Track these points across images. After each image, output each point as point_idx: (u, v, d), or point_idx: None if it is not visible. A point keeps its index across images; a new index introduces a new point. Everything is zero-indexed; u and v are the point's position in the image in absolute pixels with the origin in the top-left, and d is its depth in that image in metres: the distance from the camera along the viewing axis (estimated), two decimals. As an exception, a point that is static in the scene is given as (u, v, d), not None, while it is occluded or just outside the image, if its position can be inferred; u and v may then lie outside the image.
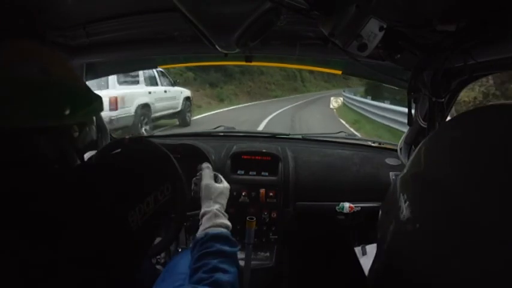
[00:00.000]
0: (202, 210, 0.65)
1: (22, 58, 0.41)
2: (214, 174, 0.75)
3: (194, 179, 0.76)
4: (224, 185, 0.73)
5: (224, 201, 0.69)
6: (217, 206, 0.66)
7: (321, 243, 1.27)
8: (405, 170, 0.29)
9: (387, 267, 0.30)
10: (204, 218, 0.63)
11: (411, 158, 0.29)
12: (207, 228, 0.61)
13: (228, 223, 0.64)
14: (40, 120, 0.40)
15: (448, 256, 0.23)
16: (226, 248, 0.57)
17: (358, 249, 1.02)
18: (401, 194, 0.28)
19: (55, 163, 0.42)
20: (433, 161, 0.27)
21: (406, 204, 0.27)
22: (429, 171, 0.26)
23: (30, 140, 0.39)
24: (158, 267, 1.06)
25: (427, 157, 0.27)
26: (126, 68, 1.53)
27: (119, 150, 0.70)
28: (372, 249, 1.01)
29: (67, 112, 0.42)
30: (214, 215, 0.63)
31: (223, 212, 0.66)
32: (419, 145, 0.29)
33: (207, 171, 0.73)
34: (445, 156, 0.26)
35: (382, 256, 0.31)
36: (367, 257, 1.00)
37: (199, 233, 0.61)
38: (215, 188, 0.70)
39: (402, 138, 1.21)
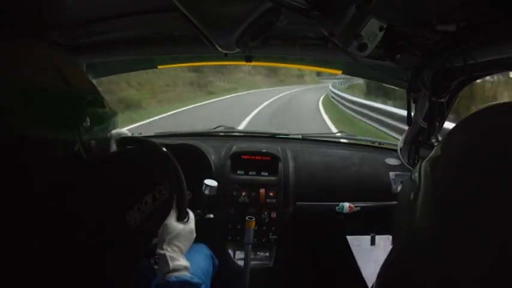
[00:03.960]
0: (157, 252, 0.62)
1: (41, 65, 0.40)
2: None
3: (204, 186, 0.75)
4: (187, 226, 0.66)
5: (182, 243, 0.64)
6: (170, 249, 0.62)
7: (320, 243, 1.27)
8: (429, 160, 0.29)
9: (400, 268, 0.29)
10: (160, 262, 0.61)
11: (436, 147, 0.29)
12: (165, 274, 0.59)
13: (186, 263, 0.61)
14: (58, 132, 0.39)
15: (449, 257, 0.23)
16: None
17: (366, 239, 1.02)
18: (414, 194, 0.28)
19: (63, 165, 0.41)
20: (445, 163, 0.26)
21: (421, 209, 0.27)
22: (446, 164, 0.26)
23: (39, 149, 0.38)
24: (156, 267, 1.06)
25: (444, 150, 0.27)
26: (126, 68, 1.53)
27: (119, 149, 0.70)
28: (380, 240, 1.02)
29: (87, 125, 0.41)
30: (169, 258, 0.60)
31: (180, 253, 0.62)
32: (445, 137, 0.28)
33: (172, 212, 0.67)
34: (454, 159, 0.25)
35: (395, 257, 0.31)
36: (375, 248, 1.01)
37: (159, 278, 0.59)
38: (172, 228, 0.64)
39: (402, 138, 1.21)
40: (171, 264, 0.59)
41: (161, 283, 0.59)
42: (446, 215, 0.23)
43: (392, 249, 0.32)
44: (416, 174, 0.29)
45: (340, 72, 1.30)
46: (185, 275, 0.59)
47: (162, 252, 0.61)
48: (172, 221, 0.65)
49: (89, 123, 0.41)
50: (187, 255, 0.69)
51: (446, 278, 0.23)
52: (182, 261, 0.61)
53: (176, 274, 0.59)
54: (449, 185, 0.24)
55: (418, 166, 0.30)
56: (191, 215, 0.70)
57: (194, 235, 0.69)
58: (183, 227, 0.66)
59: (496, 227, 0.21)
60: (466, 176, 0.23)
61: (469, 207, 0.22)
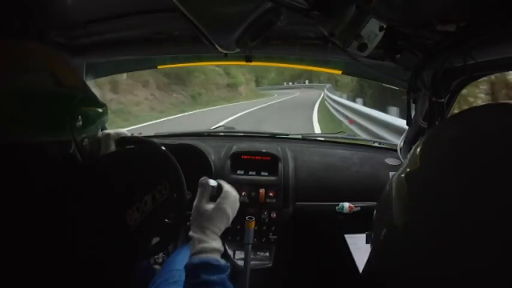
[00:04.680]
0: (189, 234, 0.62)
1: (32, 65, 0.39)
2: (213, 187, 0.67)
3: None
4: (219, 206, 0.64)
5: (213, 225, 0.62)
6: (199, 230, 0.61)
7: (320, 243, 1.27)
8: (400, 171, 0.29)
9: (379, 268, 0.30)
10: (190, 243, 0.61)
11: (407, 158, 0.29)
12: (193, 255, 0.58)
13: (216, 246, 0.59)
14: (51, 133, 0.38)
15: (438, 258, 0.23)
16: (214, 277, 0.55)
17: (362, 237, 1.02)
18: (394, 195, 0.28)
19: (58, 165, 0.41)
20: (427, 161, 0.26)
21: (398, 206, 0.27)
22: (424, 172, 0.26)
23: (36, 149, 0.37)
24: (156, 266, 1.06)
25: (422, 158, 0.27)
26: (126, 68, 1.54)
27: (118, 148, 0.70)
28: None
29: (79, 124, 0.41)
30: (197, 240, 0.59)
31: (208, 234, 0.61)
32: (415, 145, 0.29)
33: (200, 190, 0.67)
34: (440, 156, 0.25)
35: (375, 256, 0.31)
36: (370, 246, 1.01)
37: (188, 260, 0.59)
38: (203, 210, 0.63)
39: (402, 138, 1.21)
40: (197, 246, 0.59)
41: (188, 263, 0.58)
42: (444, 214, 0.23)
43: (371, 251, 0.33)
44: (387, 187, 0.29)
45: (340, 72, 1.30)
46: (213, 258, 0.58)
47: (193, 234, 0.61)
48: (203, 204, 0.64)
49: (81, 123, 0.41)
50: (177, 256, 0.69)
51: (444, 278, 0.23)
52: (211, 244, 0.60)
53: (202, 256, 0.58)
54: (442, 191, 0.24)
55: (389, 180, 0.30)
56: (227, 188, 0.68)
57: (228, 212, 0.65)
58: (214, 208, 0.64)
59: (498, 226, 0.21)
60: (465, 177, 0.23)
61: (469, 207, 0.22)
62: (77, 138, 0.41)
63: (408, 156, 0.29)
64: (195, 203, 0.65)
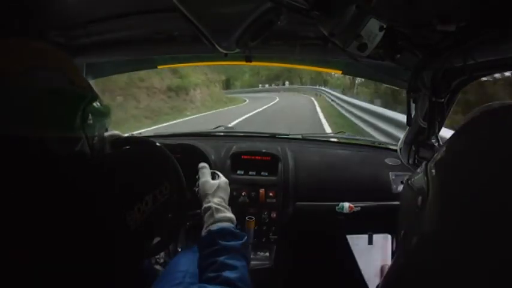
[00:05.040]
0: (203, 207, 0.65)
1: (49, 66, 0.40)
2: (212, 172, 0.76)
3: (197, 183, 0.77)
4: (221, 179, 0.74)
5: (223, 194, 0.70)
6: (216, 200, 0.66)
7: (320, 243, 1.27)
8: (436, 158, 0.28)
9: (408, 275, 0.28)
10: (206, 216, 0.64)
11: (440, 148, 0.29)
12: (209, 225, 0.61)
13: (230, 215, 0.64)
14: (64, 130, 0.39)
15: (460, 259, 0.22)
16: (232, 243, 0.57)
17: (364, 237, 1.02)
18: (429, 205, 0.27)
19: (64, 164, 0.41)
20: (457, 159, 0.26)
21: (430, 214, 0.26)
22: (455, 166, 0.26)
23: (43, 145, 0.38)
24: (157, 267, 1.06)
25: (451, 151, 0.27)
26: (126, 68, 1.53)
27: (114, 150, 0.70)
28: (377, 239, 1.02)
29: (90, 123, 0.42)
30: (215, 210, 0.63)
31: (223, 204, 0.66)
32: (452, 135, 0.28)
33: (204, 171, 0.75)
34: (470, 152, 0.25)
35: (403, 263, 0.30)
36: (373, 246, 1.01)
37: (203, 231, 0.61)
38: (212, 184, 0.71)
39: (402, 138, 1.21)
40: (215, 215, 0.62)
41: (204, 234, 0.60)
42: (456, 217, 0.23)
43: (399, 254, 0.32)
44: (422, 176, 0.28)
45: (340, 72, 1.30)
46: (228, 225, 0.61)
47: (208, 205, 0.65)
48: (209, 179, 0.73)
49: (91, 121, 0.42)
50: (181, 259, 0.69)
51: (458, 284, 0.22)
52: (227, 214, 0.64)
53: (219, 224, 0.61)
54: (457, 188, 0.24)
55: (423, 169, 0.29)
56: (219, 174, 0.78)
57: (228, 188, 0.74)
58: (220, 181, 0.73)
59: (507, 227, 0.20)
60: (475, 178, 0.23)
61: (478, 209, 0.22)
62: (88, 136, 0.42)
63: (440, 148, 0.29)
64: (201, 180, 0.73)
